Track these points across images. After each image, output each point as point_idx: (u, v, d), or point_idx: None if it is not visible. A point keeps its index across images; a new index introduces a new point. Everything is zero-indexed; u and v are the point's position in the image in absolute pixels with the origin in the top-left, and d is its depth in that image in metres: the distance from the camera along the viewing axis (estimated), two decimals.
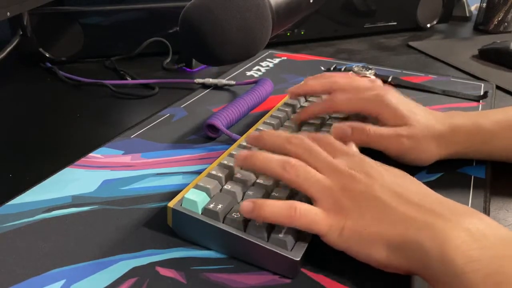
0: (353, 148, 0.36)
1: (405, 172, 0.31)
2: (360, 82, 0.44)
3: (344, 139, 0.38)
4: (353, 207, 0.29)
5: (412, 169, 0.41)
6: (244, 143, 0.40)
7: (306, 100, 0.50)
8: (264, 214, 0.29)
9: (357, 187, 0.29)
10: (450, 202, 0.28)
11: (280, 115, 0.46)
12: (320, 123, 0.44)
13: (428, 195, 0.29)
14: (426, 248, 0.25)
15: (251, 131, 0.43)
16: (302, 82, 0.48)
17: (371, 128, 0.40)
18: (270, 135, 0.35)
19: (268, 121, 0.44)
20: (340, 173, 0.30)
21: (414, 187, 0.30)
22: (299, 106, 0.49)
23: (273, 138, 0.34)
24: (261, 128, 0.43)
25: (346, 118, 0.46)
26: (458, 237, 0.24)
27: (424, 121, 0.40)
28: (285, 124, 0.45)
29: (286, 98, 0.50)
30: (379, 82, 0.46)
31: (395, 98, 0.41)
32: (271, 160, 0.32)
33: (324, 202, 0.29)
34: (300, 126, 0.45)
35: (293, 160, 0.31)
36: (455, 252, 0.24)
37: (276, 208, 0.29)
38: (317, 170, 0.31)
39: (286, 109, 0.47)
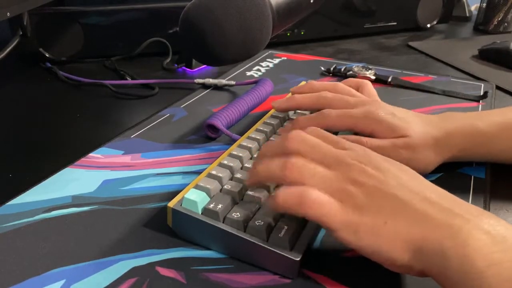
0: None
1: (406, 166, 0.30)
2: (348, 97, 0.42)
3: None
4: (369, 204, 0.27)
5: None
6: (245, 143, 0.40)
7: None
8: (277, 201, 0.28)
9: (370, 181, 0.28)
10: (462, 201, 0.27)
11: (280, 115, 0.46)
12: None
13: (440, 193, 0.28)
14: (446, 248, 0.24)
15: (251, 131, 0.43)
16: (289, 95, 0.46)
17: (367, 140, 0.39)
18: (267, 145, 0.33)
19: (268, 121, 0.44)
20: (348, 165, 0.29)
21: (425, 184, 0.29)
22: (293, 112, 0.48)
23: (271, 144, 0.33)
24: (261, 128, 0.43)
25: None
26: (479, 239, 0.24)
27: (420, 129, 0.39)
28: (285, 124, 0.45)
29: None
30: (369, 86, 0.45)
31: (386, 111, 0.39)
32: (271, 165, 0.30)
33: (337, 197, 0.28)
34: None
35: (293, 159, 0.29)
36: (476, 254, 0.23)
37: (287, 195, 0.28)
38: (322, 165, 0.29)
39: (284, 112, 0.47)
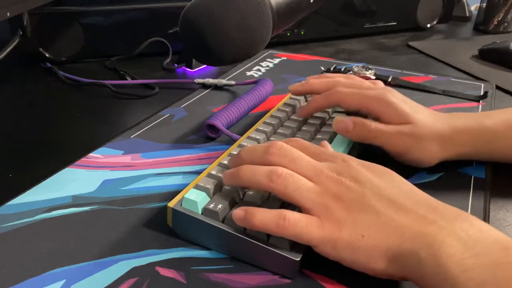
0: (331, 149, 0.36)
1: (389, 170, 0.31)
2: (362, 81, 0.44)
3: (345, 133, 0.40)
4: (346, 218, 0.28)
5: (413, 168, 0.41)
6: (245, 143, 0.40)
7: (306, 101, 0.50)
8: (254, 222, 0.29)
9: (349, 195, 0.29)
10: (439, 204, 0.28)
11: (280, 115, 0.46)
12: (320, 123, 0.44)
13: (418, 198, 0.29)
14: (421, 257, 0.25)
15: (251, 131, 0.43)
16: (304, 81, 0.48)
17: (372, 123, 0.39)
18: (247, 152, 0.33)
19: (268, 121, 0.44)
20: (328, 179, 0.30)
21: (403, 190, 0.29)
22: (299, 106, 0.49)
23: (252, 153, 0.33)
24: (261, 128, 0.43)
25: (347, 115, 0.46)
26: (452, 245, 0.24)
27: (427, 120, 0.39)
28: (285, 124, 0.45)
29: (286, 98, 0.50)
30: (380, 83, 0.46)
31: (397, 97, 0.41)
32: (258, 172, 0.31)
33: (317, 212, 0.29)
34: (301, 125, 0.45)
35: (279, 169, 0.30)
36: (449, 261, 0.24)
37: (265, 217, 0.29)
38: (304, 177, 0.30)
39: (286, 109, 0.47)
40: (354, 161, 0.31)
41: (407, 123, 0.39)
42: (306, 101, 0.50)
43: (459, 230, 0.25)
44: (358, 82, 0.44)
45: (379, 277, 0.28)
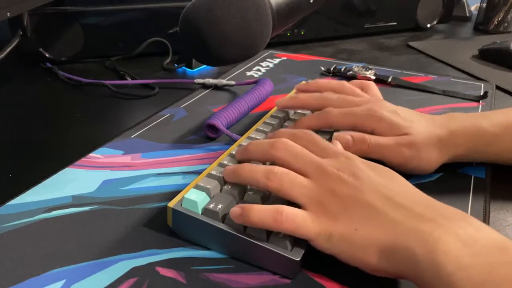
0: (339, 146, 0.36)
1: (392, 171, 0.31)
2: (351, 97, 0.43)
3: (345, 149, 0.37)
4: (342, 212, 0.28)
5: None
6: (245, 143, 0.40)
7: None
8: (251, 219, 0.29)
9: (345, 190, 0.29)
10: (438, 204, 0.28)
11: (280, 115, 0.46)
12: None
13: (416, 197, 0.29)
14: (416, 254, 0.25)
15: (251, 131, 0.43)
16: (293, 93, 0.46)
17: (371, 138, 0.39)
18: (255, 145, 0.34)
19: (268, 121, 0.44)
20: (327, 175, 0.30)
21: (402, 189, 0.29)
22: (293, 112, 0.48)
23: (258, 147, 0.34)
24: (261, 128, 0.43)
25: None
26: (449, 243, 0.24)
27: (423, 128, 0.39)
28: (285, 124, 0.45)
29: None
30: (373, 87, 0.45)
31: (388, 110, 0.40)
32: (256, 170, 0.32)
33: (312, 207, 0.29)
34: None
35: (276, 168, 0.31)
36: (445, 259, 0.23)
37: (262, 213, 0.29)
38: (304, 174, 0.31)
39: (286, 110, 0.47)
40: (357, 159, 0.31)
41: (403, 134, 0.39)
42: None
43: (456, 228, 0.25)
44: (348, 98, 0.42)
45: (375, 274, 0.28)
